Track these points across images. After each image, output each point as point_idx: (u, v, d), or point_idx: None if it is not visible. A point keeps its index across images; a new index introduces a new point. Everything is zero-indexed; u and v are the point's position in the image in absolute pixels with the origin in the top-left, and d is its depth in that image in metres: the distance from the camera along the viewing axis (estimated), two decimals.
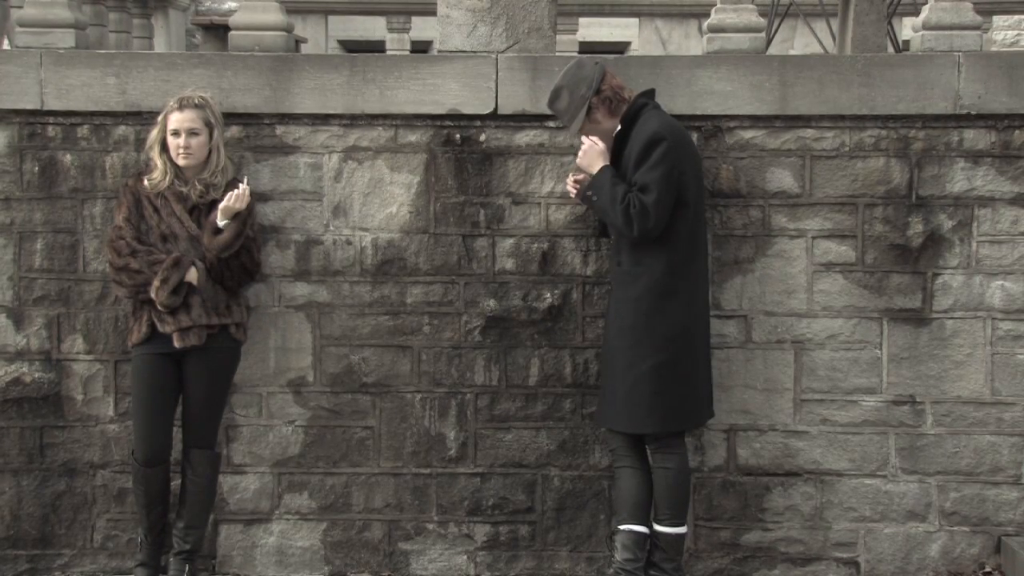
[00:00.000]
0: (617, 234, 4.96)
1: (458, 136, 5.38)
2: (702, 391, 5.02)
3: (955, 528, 5.42)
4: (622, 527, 4.95)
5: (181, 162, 4.99)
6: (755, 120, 5.36)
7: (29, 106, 5.37)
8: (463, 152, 5.39)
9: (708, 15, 5.69)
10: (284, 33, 5.62)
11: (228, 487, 5.44)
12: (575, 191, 5.05)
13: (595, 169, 4.94)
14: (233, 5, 13.22)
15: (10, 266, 5.43)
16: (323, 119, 5.39)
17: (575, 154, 5.33)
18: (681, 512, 4.98)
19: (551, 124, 5.36)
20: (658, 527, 4.96)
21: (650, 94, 5.06)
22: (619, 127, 4.97)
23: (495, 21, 5.48)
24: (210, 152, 5.03)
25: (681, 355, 4.90)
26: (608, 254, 5.33)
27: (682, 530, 4.98)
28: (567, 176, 5.14)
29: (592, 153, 4.96)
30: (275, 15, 5.62)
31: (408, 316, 5.43)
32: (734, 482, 5.43)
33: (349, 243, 5.42)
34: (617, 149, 4.98)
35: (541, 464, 5.43)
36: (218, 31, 13.45)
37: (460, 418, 5.44)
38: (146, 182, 5.03)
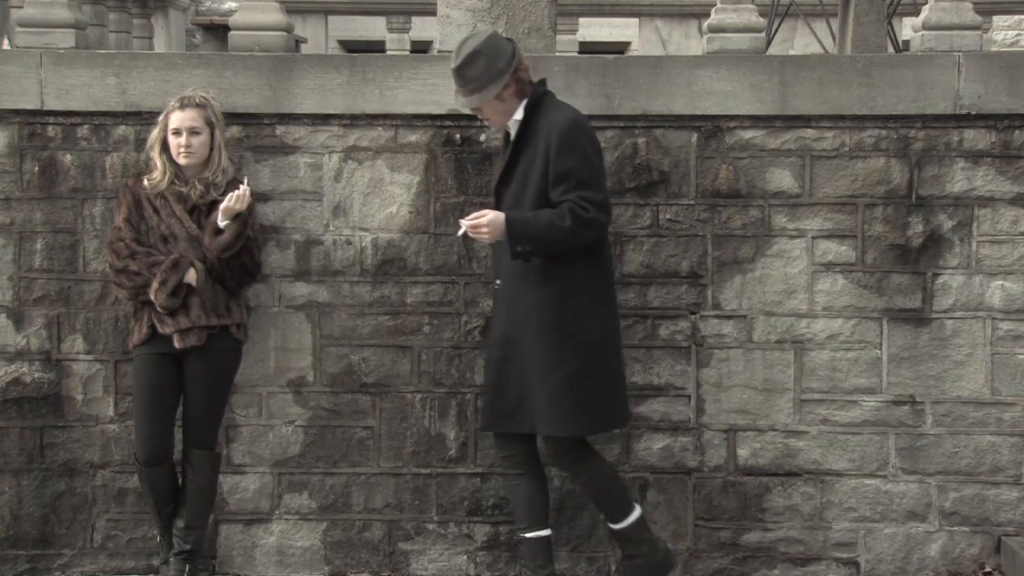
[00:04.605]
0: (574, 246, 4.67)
1: (458, 136, 5.38)
2: (623, 391, 4.94)
3: (955, 528, 5.42)
4: (528, 535, 4.90)
5: (182, 161, 4.99)
6: (755, 120, 5.36)
7: (29, 106, 5.37)
8: (463, 152, 5.39)
9: (708, 15, 5.69)
10: (284, 33, 5.62)
11: (228, 487, 5.44)
12: (473, 232, 4.69)
13: (500, 230, 4.61)
14: (233, 5, 13.22)
15: (10, 266, 5.43)
16: (323, 119, 5.39)
17: None
18: (624, 503, 4.91)
19: None
20: (616, 526, 4.90)
21: (544, 83, 4.87)
22: (522, 114, 4.73)
23: (495, 21, 5.48)
24: (211, 151, 5.03)
25: (607, 354, 4.80)
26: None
27: (636, 514, 4.91)
28: (459, 224, 4.75)
29: (495, 225, 4.62)
30: (275, 15, 5.62)
31: (408, 316, 5.43)
32: (734, 482, 5.43)
33: (349, 243, 5.42)
34: (519, 138, 4.74)
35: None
36: (218, 31, 13.46)
37: (460, 418, 5.44)
38: (146, 182, 5.03)
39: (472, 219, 4.66)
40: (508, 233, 4.62)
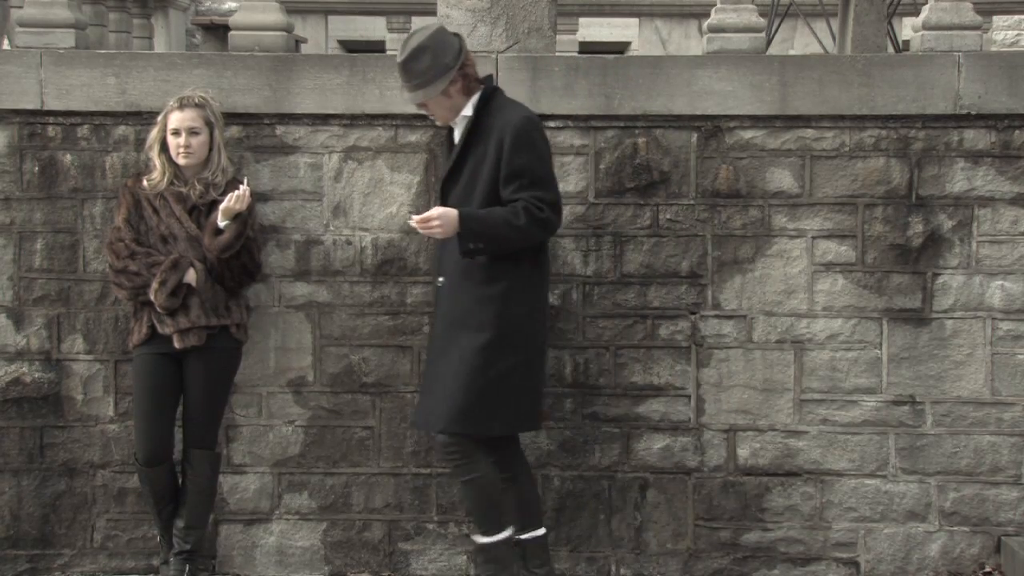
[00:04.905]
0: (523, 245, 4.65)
1: None
2: (541, 394, 4.88)
3: (955, 528, 5.42)
4: (524, 536, 4.83)
5: (181, 161, 4.99)
6: (755, 120, 5.36)
7: (29, 106, 5.37)
8: None
9: (708, 15, 5.69)
10: (284, 33, 5.62)
11: (228, 487, 5.44)
12: (424, 228, 4.60)
13: (453, 226, 4.53)
14: (233, 5, 13.22)
15: (10, 266, 5.43)
16: (323, 119, 5.39)
17: (575, 153, 5.35)
18: (501, 518, 4.78)
19: (551, 124, 5.34)
20: (484, 539, 4.78)
21: (491, 79, 4.84)
22: (471, 111, 4.68)
23: (495, 21, 5.48)
24: (210, 151, 5.03)
25: (536, 354, 4.76)
26: (606, 252, 5.34)
27: (507, 533, 4.78)
28: (411, 220, 4.67)
29: (448, 221, 4.55)
30: (275, 15, 5.62)
31: (408, 316, 5.43)
32: (734, 482, 5.43)
33: (349, 243, 5.42)
34: (469, 134, 4.68)
35: (541, 464, 5.42)
36: (218, 31, 13.46)
37: None
38: (145, 182, 5.03)
39: (422, 216, 4.60)
40: (461, 230, 4.56)
